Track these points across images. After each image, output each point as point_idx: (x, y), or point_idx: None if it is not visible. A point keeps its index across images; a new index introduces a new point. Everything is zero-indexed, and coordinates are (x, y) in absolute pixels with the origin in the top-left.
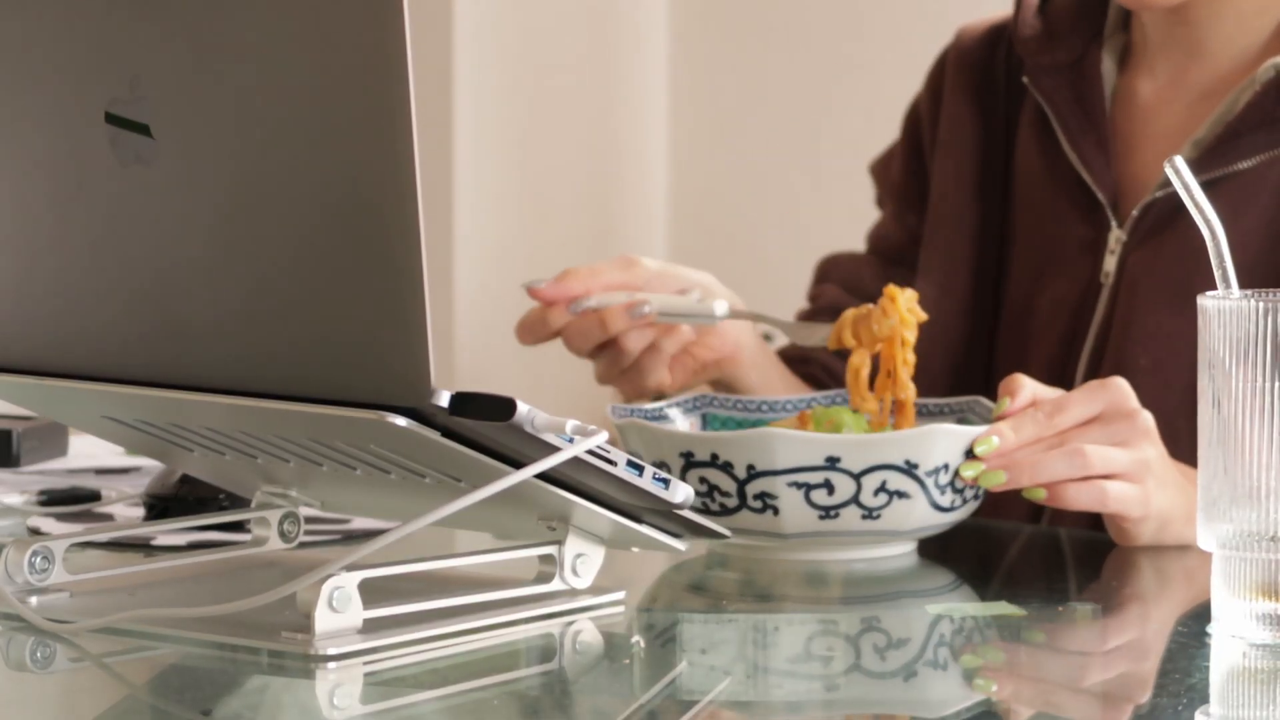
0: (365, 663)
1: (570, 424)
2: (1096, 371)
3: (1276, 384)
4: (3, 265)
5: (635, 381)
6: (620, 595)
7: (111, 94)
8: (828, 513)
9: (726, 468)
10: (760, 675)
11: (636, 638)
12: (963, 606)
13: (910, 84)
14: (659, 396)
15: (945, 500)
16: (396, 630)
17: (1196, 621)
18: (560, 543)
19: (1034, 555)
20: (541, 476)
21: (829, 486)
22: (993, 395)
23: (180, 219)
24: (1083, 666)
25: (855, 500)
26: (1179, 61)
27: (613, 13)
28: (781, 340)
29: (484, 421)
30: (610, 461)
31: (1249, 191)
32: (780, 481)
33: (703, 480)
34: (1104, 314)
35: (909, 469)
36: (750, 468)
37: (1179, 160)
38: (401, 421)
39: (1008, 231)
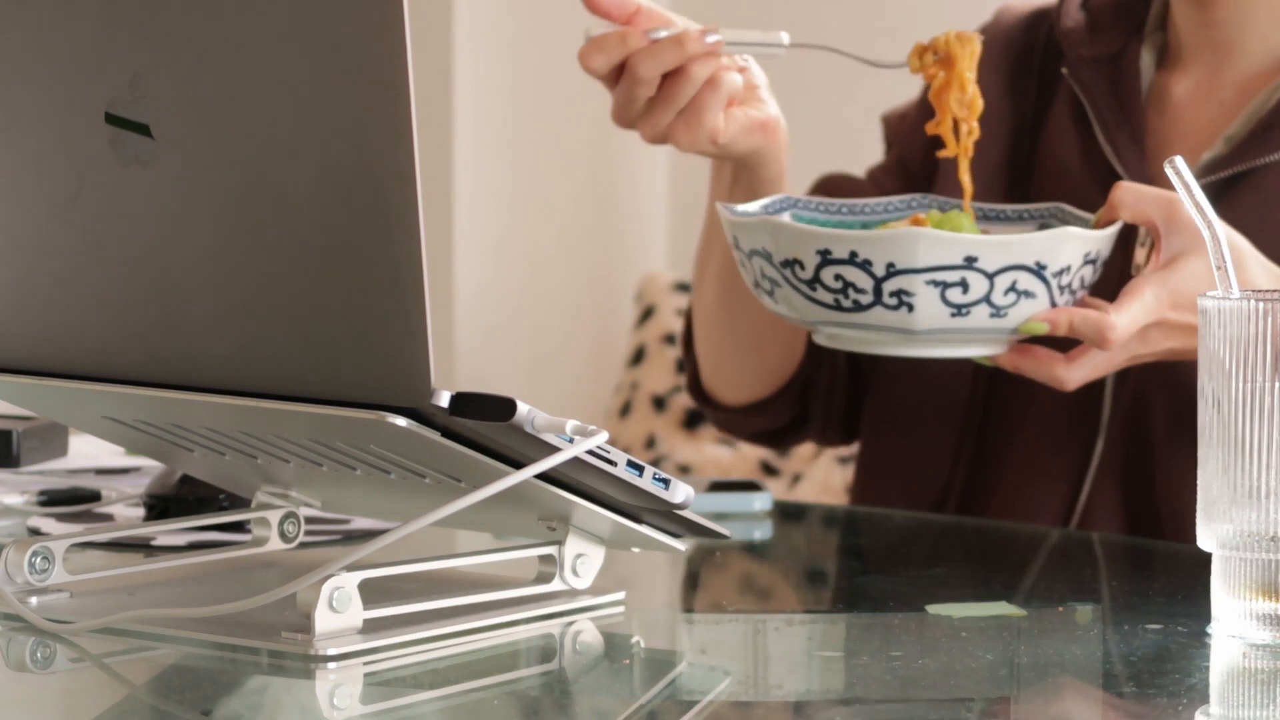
0: (365, 663)
1: (570, 424)
2: (1128, 366)
3: (1276, 384)
4: (3, 265)
5: (692, 124)
6: (620, 595)
7: (111, 94)
8: (959, 310)
9: (865, 265)
10: (760, 675)
11: (636, 638)
12: (962, 606)
13: (909, 84)
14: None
15: (1064, 300)
16: (396, 630)
17: (1196, 621)
18: (560, 543)
19: (1035, 555)
20: (541, 476)
21: (964, 285)
22: (1010, 380)
23: (180, 219)
24: (1082, 667)
25: (987, 299)
26: (1212, 61)
27: None
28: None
29: (484, 421)
30: (610, 461)
31: None
32: (919, 279)
33: (837, 277)
34: None
35: (1038, 270)
36: (890, 265)
37: (1179, 160)
38: (401, 421)
39: None
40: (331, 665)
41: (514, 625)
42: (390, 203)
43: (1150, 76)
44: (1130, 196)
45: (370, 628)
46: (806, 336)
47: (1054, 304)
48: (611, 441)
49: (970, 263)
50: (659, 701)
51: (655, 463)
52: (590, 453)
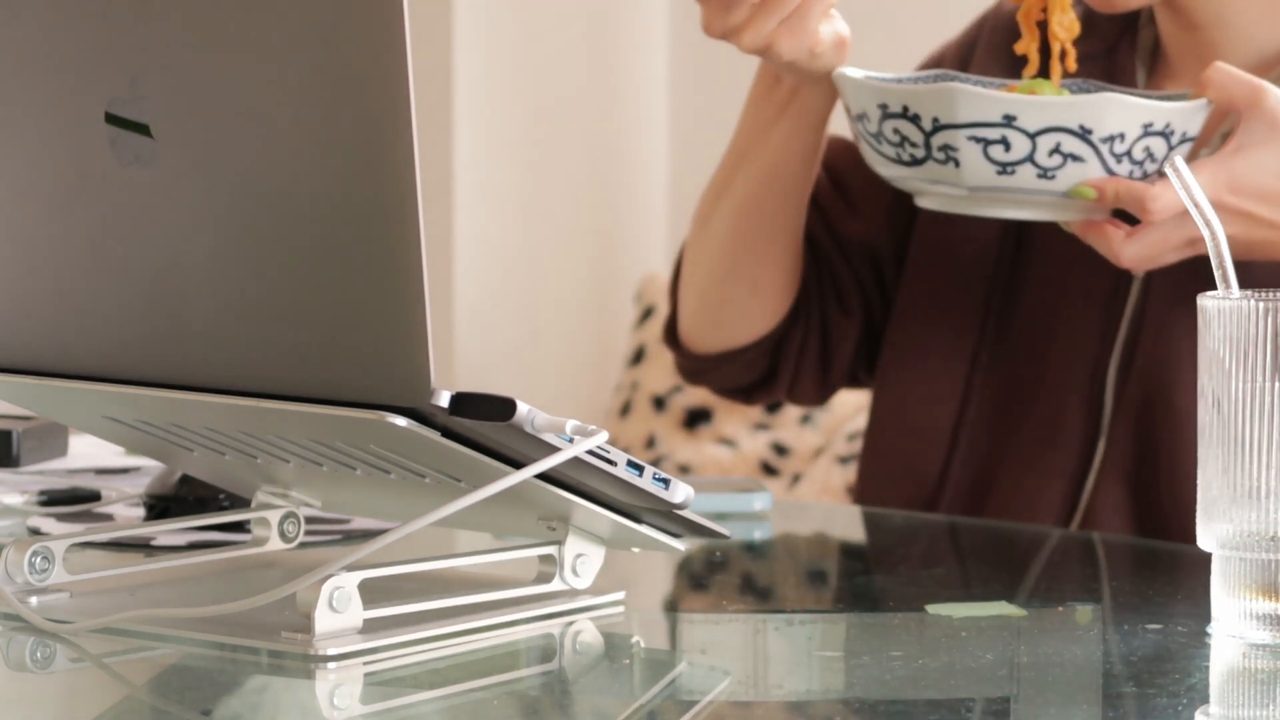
0: (365, 663)
1: (570, 424)
2: (1131, 363)
3: (1276, 384)
4: (3, 265)
5: (796, 31)
6: (620, 595)
7: (111, 94)
8: (1004, 169)
9: (915, 119)
10: (760, 675)
11: (636, 638)
12: (962, 606)
13: (901, 58)
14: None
15: (1123, 169)
16: (396, 630)
17: (1196, 621)
18: (560, 543)
19: (1035, 555)
20: (541, 476)
21: (1005, 143)
22: (1012, 380)
23: (180, 219)
24: (1082, 667)
25: (1030, 159)
26: (1198, 68)
27: (613, 13)
28: None
29: (484, 421)
30: (610, 461)
31: None
32: (961, 135)
33: (895, 131)
34: (1136, 301)
35: (1083, 134)
36: (935, 120)
37: (1178, 159)
38: (401, 421)
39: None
40: (331, 665)
41: (514, 625)
42: (390, 203)
43: (1143, 83)
44: (1220, 76)
45: (370, 628)
46: (796, 291)
47: (1110, 172)
48: (611, 441)
49: (1009, 121)
50: (659, 701)
51: (655, 463)
52: (590, 453)
